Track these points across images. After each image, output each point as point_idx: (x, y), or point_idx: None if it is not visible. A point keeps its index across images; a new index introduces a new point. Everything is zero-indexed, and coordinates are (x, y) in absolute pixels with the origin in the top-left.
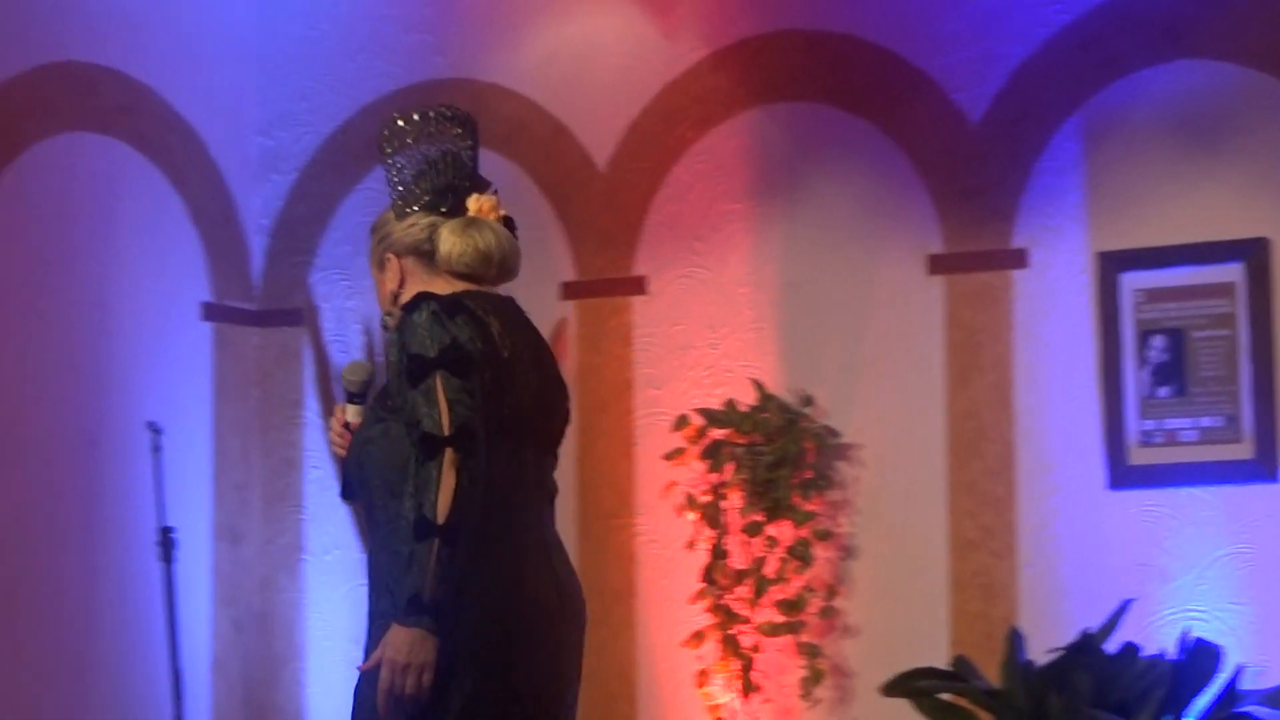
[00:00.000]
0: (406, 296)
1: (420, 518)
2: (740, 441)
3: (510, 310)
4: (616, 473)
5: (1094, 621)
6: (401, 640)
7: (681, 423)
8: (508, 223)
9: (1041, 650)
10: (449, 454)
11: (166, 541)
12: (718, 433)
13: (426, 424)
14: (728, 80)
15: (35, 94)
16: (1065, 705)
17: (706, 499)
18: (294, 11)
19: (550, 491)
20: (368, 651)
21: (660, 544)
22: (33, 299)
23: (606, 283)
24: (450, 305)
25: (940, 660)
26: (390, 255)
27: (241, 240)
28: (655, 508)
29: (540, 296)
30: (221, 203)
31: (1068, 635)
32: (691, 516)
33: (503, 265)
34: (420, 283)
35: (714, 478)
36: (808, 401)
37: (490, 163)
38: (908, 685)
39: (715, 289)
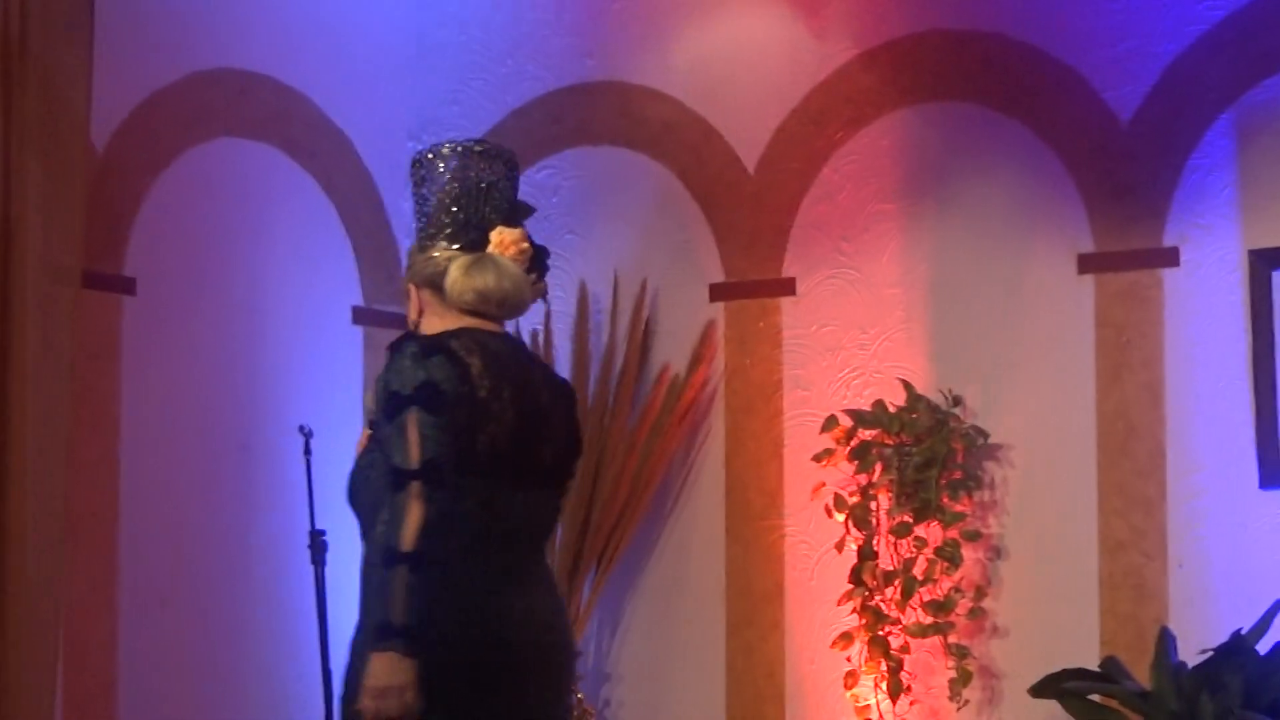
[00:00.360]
0: (425, 328)
1: (387, 546)
2: (889, 442)
3: (503, 348)
4: (765, 474)
5: (1246, 622)
6: (378, 667)
7: (830, 424)
8: (540, 253)
9: (1193, 651)
10: (415, 486)
11: (317, 544)
12: (866, 434)
13: (397, 458)
14: (877, 80)
15: (189, 100)
16: (1217, 707)
17: (855, 500)
18: (444, 17)
19: (543, 528)
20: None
21: (808, 545)
22: (186, 303)
23: (755, 284)
24: (429, 346)
25: (1090, 661)
26: (411, 286)
27: (392, 244)
28: (804, 509)
29: (689, 298)
30: (372, 207)
31: (1219, 636)
32: (840, 518)
33: (503, 304)
34: (436, 315)
35: (862, 479)
36: (957, 402)
37: (640, 165)
38: (1057, 686)
39: (864, 290)
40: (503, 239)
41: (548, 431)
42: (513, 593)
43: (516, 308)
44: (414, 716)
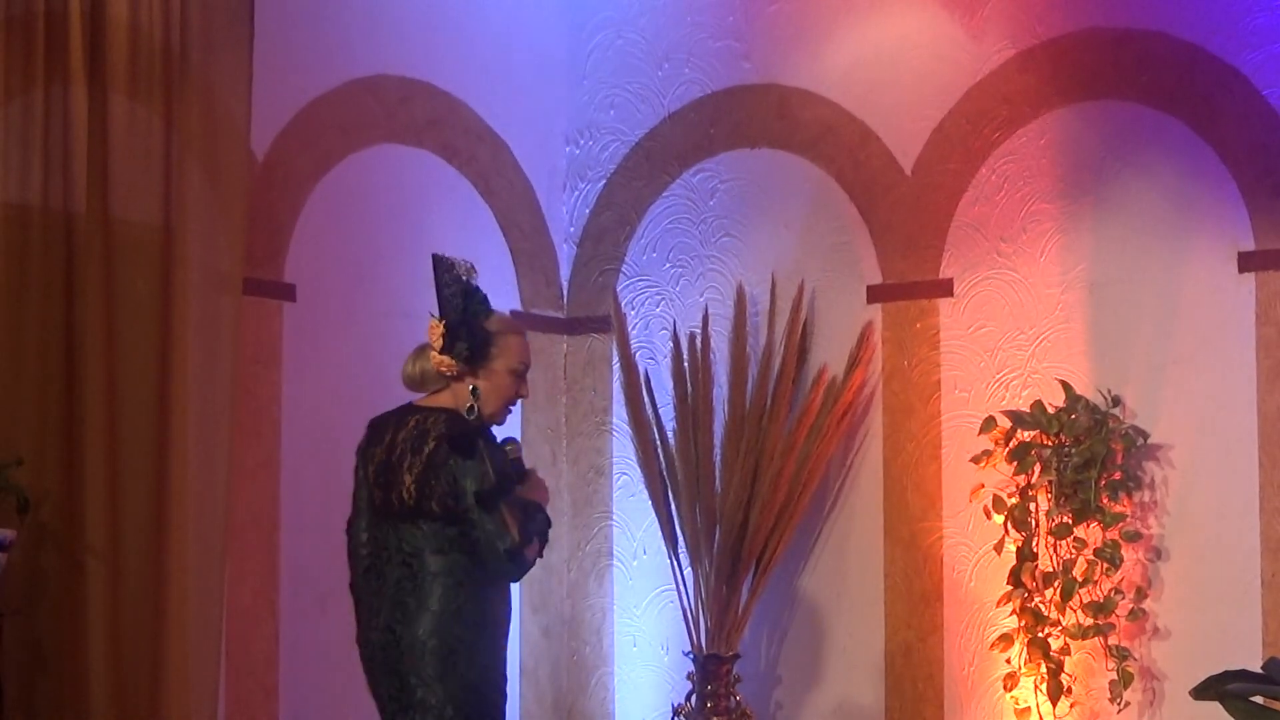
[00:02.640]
0: None
1: None
2: (1048, 443)
3: (389, 419)
4: (924, 476)
5: None
6: None
7: (989, 425)
8: (450, 330)
9: None
10: None
11: None
12: (1025, 435)
13: None
14: (1035, 80)
15: (347, 107)
16: None
17: (1014, 501)
18: (602, 22)
19: (395, 552)
20: None
21: (968, 547)
22: (346, 309)
23: (913, 285)
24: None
25: (1253, 663)
26: None
27: (549, 249)
28: (962, 511)
29: (847, 300)
30: (529, 212)
31: None
32: (999, 519)
33: (405, 383)
34: None
35: (1021, 480)
36: (1116, 402)
37: (796, 167)
38: (1219, 688)
39: (1022, 290)
40: (430, 331)
41: (393, 478)
42: (370, 609)
43: (408, 383)
44: None
